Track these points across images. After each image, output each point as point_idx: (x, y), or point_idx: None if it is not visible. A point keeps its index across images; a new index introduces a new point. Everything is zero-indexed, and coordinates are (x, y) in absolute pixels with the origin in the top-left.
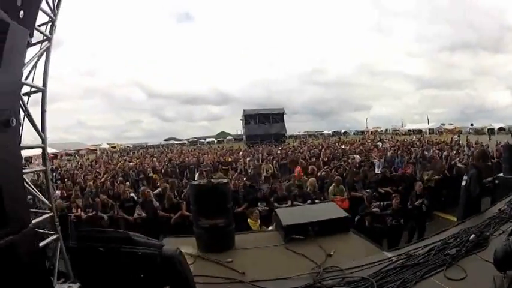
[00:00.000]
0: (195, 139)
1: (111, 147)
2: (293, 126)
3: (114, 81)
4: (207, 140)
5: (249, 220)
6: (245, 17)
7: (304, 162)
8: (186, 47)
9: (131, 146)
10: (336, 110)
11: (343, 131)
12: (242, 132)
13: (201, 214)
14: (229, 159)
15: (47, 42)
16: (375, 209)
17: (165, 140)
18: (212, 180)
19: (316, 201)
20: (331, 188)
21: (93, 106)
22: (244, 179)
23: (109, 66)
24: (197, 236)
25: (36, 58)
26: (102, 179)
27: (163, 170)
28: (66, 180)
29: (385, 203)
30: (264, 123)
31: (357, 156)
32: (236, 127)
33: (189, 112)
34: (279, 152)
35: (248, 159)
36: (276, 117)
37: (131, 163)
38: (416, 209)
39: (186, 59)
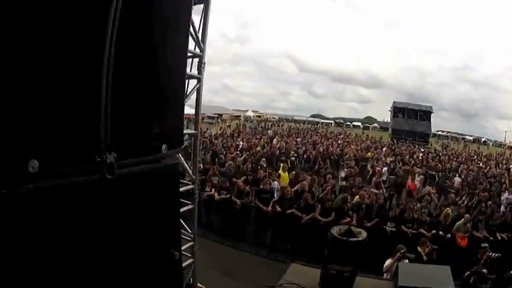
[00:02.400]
0: (342, 121)
1: (257, 115)
2: (437, 122)
3: (266, 51)
4: (353, 123)
5: (418, 248)
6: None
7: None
8: (341, 24)
9: (276, 118)
10: (480, 113)
11: (483, 139)
12: (389, 123)
13: (333, 260)
14: (370, 155)
15: None
16: (484, 270)
17: (312, 116)
18: (352, 230)
19: (440, 232)
20: (458, 223)
21: (242, 72)
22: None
23: (261, 35)
24: (323, 275)
25: None
26: (242, 158)
27: (305, 156)
28: (205, 150)
29: (495, 255)
30: (412, 119)
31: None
32: (383, 114)
33: (339, 91)
34: (421, 156)
35: (389, 159)
36: (423, 114)
37: (274, 141)
38: None
39: (340, 36)
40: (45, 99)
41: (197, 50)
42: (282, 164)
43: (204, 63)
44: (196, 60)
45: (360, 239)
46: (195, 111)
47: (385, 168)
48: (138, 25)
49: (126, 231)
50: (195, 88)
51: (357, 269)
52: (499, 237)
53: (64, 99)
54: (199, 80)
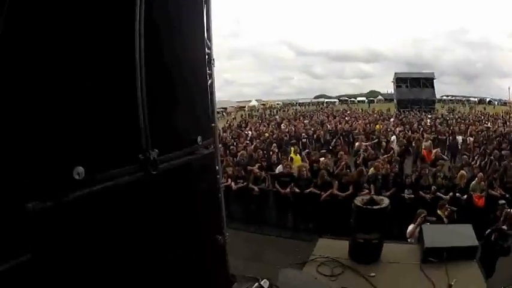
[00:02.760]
0: (346, 98)
1: (261, 104)
2: (441, 88)
3: (261, 41)
4: (358, 99)
5: (438, 211)
6: None
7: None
8: (331, 4)
9: (281, 103)
10: (482, 73)
11: (488, 99)
12: (393, 95)
13: (359, 229)
14: (378, 127)
15: None
16: (504, 227)
17: (315, 97)
18: (374, 199)
19: (457, 194)
20: (473, 183)
21: (241, 65)
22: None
23: (254, 27)
24: (351, 245)
25: None
26: (253, 146)
27: (315, 136)
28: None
29: None
30: (415, 87)
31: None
32: (386, 86)
33: (339, 69)
34: (428, 122)
35: (398, 129)
36: (426, 82)
37: (282, 125)
38: None
39: (332, 16)
40: (85, 104)
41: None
42: (293, 148)
43: (214, 60)
44: None
45: (383, 205)
46: (210, 105)
47: (394, 137)
48: (163, 33)
49: (173, 221)
50: (208, 84)
51: (383, 235)
52: None
53: (104, 102)
54: (211, 76)
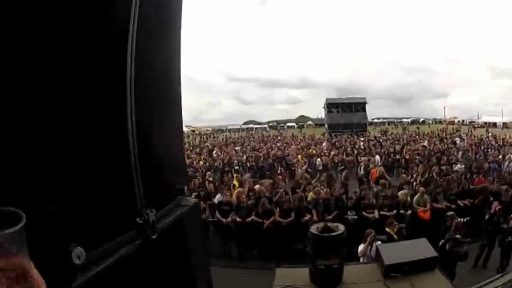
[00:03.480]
0: (275, 123)
1: (190, 130)
2: (372, 111)
3: (191, 65)
4: (287, 124)
5: (387, 229)
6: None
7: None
8: (261, 32)
9: (210, 130)
10: (415, 96)
11: (421, 119)
12: (324, 120)
13: (318, 256)
14: (314, 152)
15: None
16: (458, 236)
17: (244, 123)
18: (329, 226)
19: (401, 211)
20: (416, 197)
21: None
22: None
23: (183, 50)
24: (312, 273)
25: None
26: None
27: (248, 164)
28: None
29: (464, 219)
30: (346, 112)
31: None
32: (316, 111)
33: (268, 95)
34: (361, 145)
35: (333, 153)
36: (358, 106)
37: (214, 153)
38: (492, 227)
39: (262, 44)
40: (77, 174)
41: None
42: (235, 175)
43: None
44: None
45: (339, 232)
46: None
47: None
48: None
49: (169, 281)
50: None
51: (343, 259)
52: (462, 204)
53: (95, 159)
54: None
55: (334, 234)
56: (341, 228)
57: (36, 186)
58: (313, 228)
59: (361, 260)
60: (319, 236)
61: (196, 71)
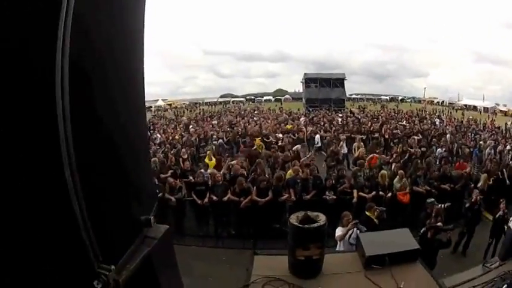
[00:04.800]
0: (252, 96)
1: (167, 104)
2: (351, 87)
3: (167, 40)
4: (264, 98)
5: (367, 213)
6: None
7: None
8: (236, 3)
9: (187, 103)
10: (394, 73)
11: (400, 97)
12: (302, 94)
13: (298, 246)
14: (289, 127)
15: None
16: (439, 224)
17: (221, 96)
18: (309, 215)
19: (381, 193)
20: (395, 181)
21: (146, 64)
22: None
23: (160, 24)
24: (292, 262)
25: None
26: (161, 153)
27: (225, 139)
28: None
29: (445, 205)
30: (325, 87)
31: (416, 138)
32: (293, 86)
33: (246, 69)
34: (339, 121)
35: (310, 129)
36: (336, 82)
37: (191, 127)
38: (472, 215)
39: (239, 17)
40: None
41: None
42: (208, 152)
43: None
44: None
45: (321, 223)
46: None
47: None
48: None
49: None
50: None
51: (323, 250)
52: (446, 188)
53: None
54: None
55: (315, 225)
56: (322, 218)
57: None
58: (293, 218)
59: (338, 244)
60: (299, 227)
61: (172, 45)
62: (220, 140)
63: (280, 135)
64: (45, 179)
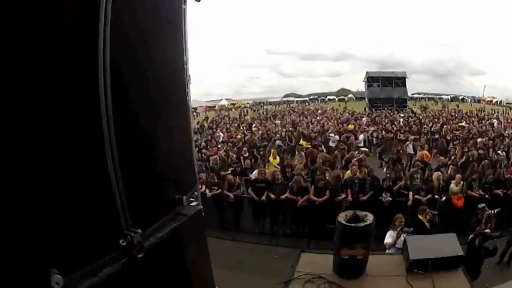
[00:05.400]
0: (316, 96)
1: (231, 103)
2: (412, 86)
3: (231, 40)
4: (328, 97)
5: (419, 216)
6: None
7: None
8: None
9: (251, 102)
10: (454, 71)
11: (461, 97)
12: (364, 94)
13: (344, 245)
14: (351, 127)
15: None
16: (487, 230)
17: (285, 95)
18: (358, 214)
19: (436, 196)
20: (452, 186)
21: (209, 64)
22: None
23: (222, 25)
24: (336, 261)
25: None
26: (223, 151)
27: (287, 138)
28: None
29: (495, 210)
30: (387, 86)
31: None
32: (357, 85)
33: (309, 68)
34: (401, 122)
35: (372, 129)
36: (398, 81)
37: (254, 126)
38: None
39: (301, 17)
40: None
41: None
42: (272, 150)
43: (189, 77)
44: None
45: (368, 222)
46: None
47: (361, 136)
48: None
49: None
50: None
51: (368, 250)
52: (496, 193)
53: (74, 189)
54: (187, 94)
55: (361, 225)
56: (370, 218)
57: (13, 211)
58: (341, 217)
59: (388, 251)
60: (346, 226)
61: (236, 46)
62: (278, 142)
63: (337, 136)
64: (91, 157)
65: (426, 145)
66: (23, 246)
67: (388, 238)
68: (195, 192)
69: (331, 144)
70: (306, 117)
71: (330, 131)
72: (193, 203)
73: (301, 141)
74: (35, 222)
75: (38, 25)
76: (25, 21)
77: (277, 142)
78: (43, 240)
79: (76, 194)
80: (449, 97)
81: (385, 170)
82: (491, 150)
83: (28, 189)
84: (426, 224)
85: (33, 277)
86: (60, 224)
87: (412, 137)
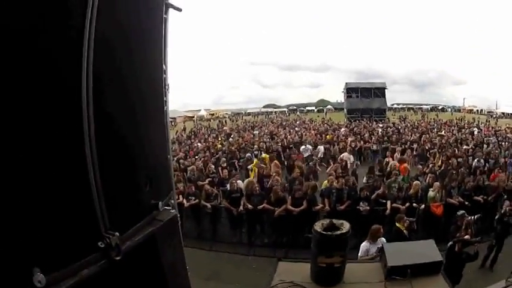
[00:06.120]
0: (295, 107)
1: (210, 113)
2: (392, 96)
3: (211, 50)
4: (307, 108)
5: (397, 224)
6: None
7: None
8: (277, 15)
9: (230, 113)
10: (434, 81)
11: (440, 106)
12: (344, 104)
13: (321, 254)
14: (330, 137)
15: None
16: (467, 236)
17: (264, 106)
18: (334, 223)
19: (414, 204)
20: (430, 193)
21: (189, 74)
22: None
23: (204, 34)
24: (313, 269)
25: None
26: (201, 162)
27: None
28: None
29: (475, 216)
30: (366, 97)
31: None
32: (336, 96)
33: (288, 78)
34: (380, 132)
35: (350, 139)
36: (377, 91)
37: (231, 137)
38: (501, 227)
39: (282, 28)
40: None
41: None
42: (254, 159)
43: (168, 86)
44: None
45: (344, 231)
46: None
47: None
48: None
49: None
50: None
51: (345, 258)
52: (476, 200)
53: (54, 192)
54: (165, 103)
55: (338, 233)
56: (346, 226)
57: None
58: (318, 226)
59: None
60: (322, 234)
61: (216, 57)
62: (248, 154)
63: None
64: (73, 161)
65: (406, 155)
66: (6, 245)
67: (363, 249)
68: (172, 200)
69: (305, 155)
70: (284, 128)
71: (307, 141)
72: (169, 209)
73: (263, 155)
74: (17, 222)
75: (24, 26)
76: (10, 23)
77: (247, 155)
78: (26, 239)
79: (57, 195)
80: (429, 107)
81: (364, 179)
82: (470, 158)
83: (10, 190)
84: (404, 231)
85: (16, 275)
86: (42, 225)
87: (400, 148)
